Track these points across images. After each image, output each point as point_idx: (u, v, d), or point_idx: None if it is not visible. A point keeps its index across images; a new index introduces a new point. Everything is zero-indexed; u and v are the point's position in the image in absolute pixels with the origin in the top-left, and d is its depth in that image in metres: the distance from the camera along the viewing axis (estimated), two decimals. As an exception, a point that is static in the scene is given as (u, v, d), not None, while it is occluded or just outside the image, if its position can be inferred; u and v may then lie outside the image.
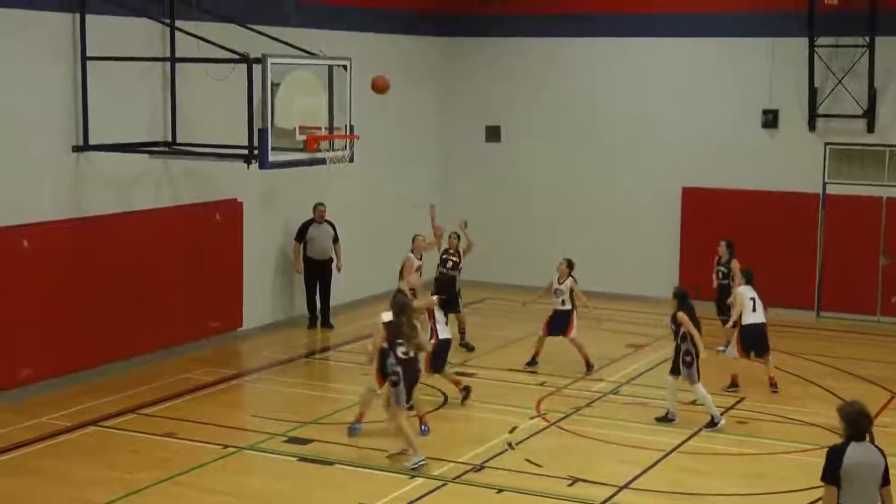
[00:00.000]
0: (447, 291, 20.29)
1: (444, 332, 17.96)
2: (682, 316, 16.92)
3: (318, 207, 22.52)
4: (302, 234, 22.57)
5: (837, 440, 16.36)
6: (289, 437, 16.37)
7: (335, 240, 22.64)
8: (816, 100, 24.35)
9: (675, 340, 17.21)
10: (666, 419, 17.21)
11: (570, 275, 20.20)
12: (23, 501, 13.91)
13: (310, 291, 22.78)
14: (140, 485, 14.36)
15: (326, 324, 22.94)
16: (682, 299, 17.18)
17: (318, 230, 22.54)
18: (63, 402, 17.60)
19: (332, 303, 23.04)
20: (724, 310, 20.84)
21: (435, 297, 18.13)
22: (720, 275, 21.53)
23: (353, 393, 18.48)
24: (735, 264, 20.67)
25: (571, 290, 20.14)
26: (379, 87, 18.35)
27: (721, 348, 20.38)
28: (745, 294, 18.94)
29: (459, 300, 21.35)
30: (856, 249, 24.31)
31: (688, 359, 16.91)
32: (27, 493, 14.15)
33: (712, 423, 16.89)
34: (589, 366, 20.10)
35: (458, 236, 21.44)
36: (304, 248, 22.63)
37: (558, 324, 20.10)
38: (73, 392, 18.10)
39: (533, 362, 20.24)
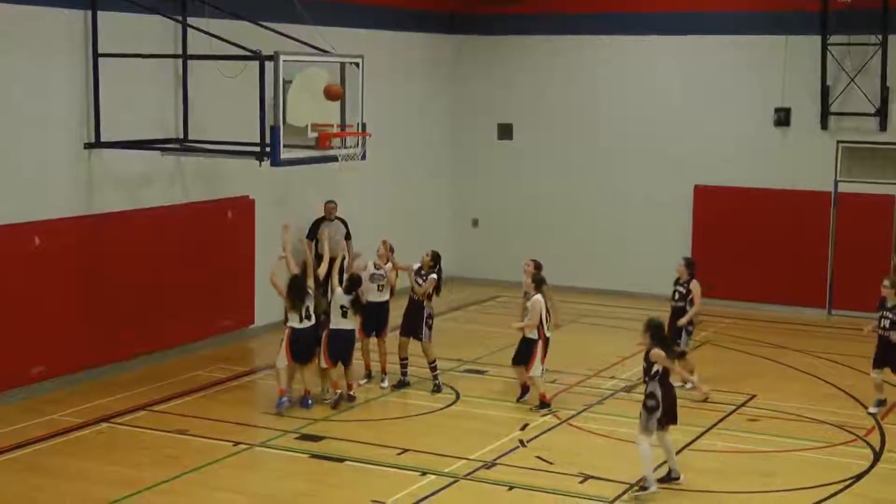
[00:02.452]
0: (413, 317, 18.54)
1: (336, 323, 17.61)
2: (656, 353, 14.28)
3: (329, 205, 22.50)
4: (313, 232, 22.57)
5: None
6: (300, 434, 16.37)
7: (347, 236, 22.64)
8: (829, 98, 24.30)
9: (644, 381, 14.64)
10: (669, 478, 14.61)
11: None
12: (34, 498, 13.92)
13: (321, 288, 22.80)
14: (151, 482, 14.37)
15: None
16: (657, 332, 14.47)
17: (329, 228, 22.52)
18: (74, 400, 17.63)
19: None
20: (677, 335, 18.35)
21: (320, 271, 18.00)
22: (676, 296, 18.85)
23: (366, 390, 18.57)
24: (695, 285, 18.62)
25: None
26: (333, 93, 18.13)
27: (684, 384, 17.45)
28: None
29: (424, 327, 18.54)
30: (867, 248, 24.23)
31: (651, 402, 14.22)
32: (38, 491, 14.17)
33: (643, 488, 14.24)
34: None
35: (433, 254, 18.69)
36: (315, 246, 22.62)
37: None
38: (84, 389, 18.13)
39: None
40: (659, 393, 14.23)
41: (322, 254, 22.38)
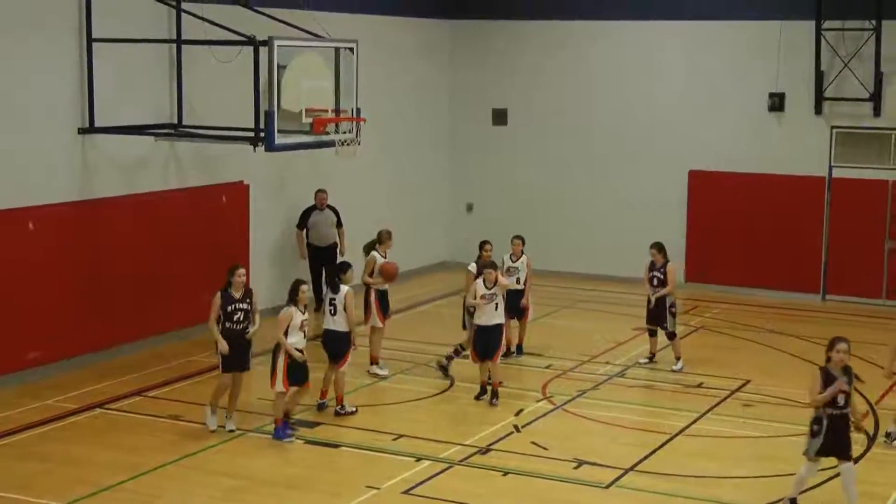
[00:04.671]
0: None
1: (325, 322, 16.76)
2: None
3: (319, 194, 22.46)
4: (303, 222, 22.54)
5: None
6: (295, 419, 16.37)
7: (338, 224, 22.61)
8: (823, 83, 24.30)
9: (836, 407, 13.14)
10: None
11: (523, 252, 19.35)
12: (29, 484, 13.92)
13: (315, 277, 22.67)
14: (147, 467, 14.39)
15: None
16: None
17: (319, 217, 22.48)
18: (69, 385, 17.63)
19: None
20: (662, 319, 19.16)
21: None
22: (654, 282, 19.19)
23: (360, 376, 18.59)
24: (671, 268, 19.20)
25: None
26: (390, 273, 18.23)
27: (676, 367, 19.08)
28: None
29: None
30: (861, 233, 24.29)
31: (815, 427, 13.17)
32: (34, 476, 14.16)
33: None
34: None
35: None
36: (307, 235, 22.60)
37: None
38: (80, 375, 18.12)
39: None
40: (824, 418, 13.12)
41: (313, 244, 22.37)
